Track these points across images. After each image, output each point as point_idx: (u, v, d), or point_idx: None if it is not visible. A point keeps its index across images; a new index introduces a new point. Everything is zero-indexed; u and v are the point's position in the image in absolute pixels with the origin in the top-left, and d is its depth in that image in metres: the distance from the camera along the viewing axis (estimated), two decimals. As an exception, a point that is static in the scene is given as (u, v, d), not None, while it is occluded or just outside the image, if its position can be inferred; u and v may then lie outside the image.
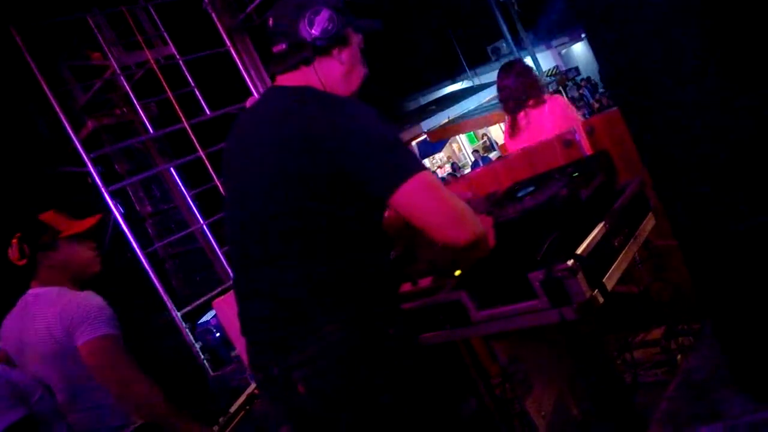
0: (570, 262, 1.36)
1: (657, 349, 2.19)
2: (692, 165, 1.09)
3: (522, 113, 3.11)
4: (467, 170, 15.82)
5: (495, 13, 15.32)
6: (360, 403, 1.34)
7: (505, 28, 15.72)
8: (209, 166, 5.78)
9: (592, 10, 1.13)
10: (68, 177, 6.57)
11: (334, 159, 1.30)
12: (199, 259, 6.61)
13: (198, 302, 5.40)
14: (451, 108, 17.47)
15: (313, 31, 1.41)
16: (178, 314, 5.22)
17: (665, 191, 1.20)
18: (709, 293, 1.22)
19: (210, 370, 4.66)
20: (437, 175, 17.38)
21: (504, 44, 17.50)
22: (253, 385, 2.69)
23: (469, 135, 19.15)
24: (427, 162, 18.58)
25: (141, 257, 5.21)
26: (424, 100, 19.98)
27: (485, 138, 19.63)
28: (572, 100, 15.28)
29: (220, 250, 5.79)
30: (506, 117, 3.29)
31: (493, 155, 16.97)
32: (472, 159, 17.74)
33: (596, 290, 1.40)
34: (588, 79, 16.94)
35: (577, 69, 17.17)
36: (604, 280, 1.45)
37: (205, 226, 5.84)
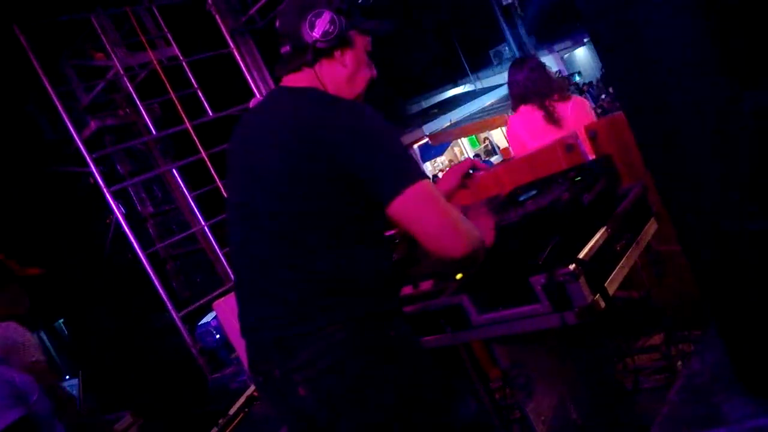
0: (572, 267, 1.36)
1: (657, 355, 2.18)
2: (699, 166, 1.08)
3: (550, 106, 3.05)
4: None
5: (498, 17, 15.34)
6: (361, 406, 1.33)
7: (507, 32, 15.74)
8: (211, 168, 5.79)
9: (595, 13, 1.13)
10: (70, 177, 6.58)
11: (334, 162, 1.30)
12: (200, 261, 6.61)
13: (198, 303, 5.40)
14: (453, 111, 17.49)
15: (314, 33, 1.41)
16: (178, 315, 5.22)
17: (669, 192, 1.19)
18: (714, 295, 1.21)
19: (209, 371, 4.65)
20: (439, 178, 17.37)
21: (506, 48, 17.51)
22: (252, 388, 2.69)
23: (470, 139, 19.17)
24: (428, 165, 18.59)
25: (142, 258, 5.21)
26: (427, 103, 20.01)
27: (487, 142, 19.64)
28: (575, 104, 15.23)
29: (221, 251, 5.79)
30: (508, 118, 3.25)
31: (494, 159, 16.97)
32: (474, 163, 17.70)
33: (598, 295, 1.40)
34: (590, 83, 16.94)
35: (579, 73, 17.18)
36: (605, 284, 1.44)
37: (206, 228, 5.84)
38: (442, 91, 20.61)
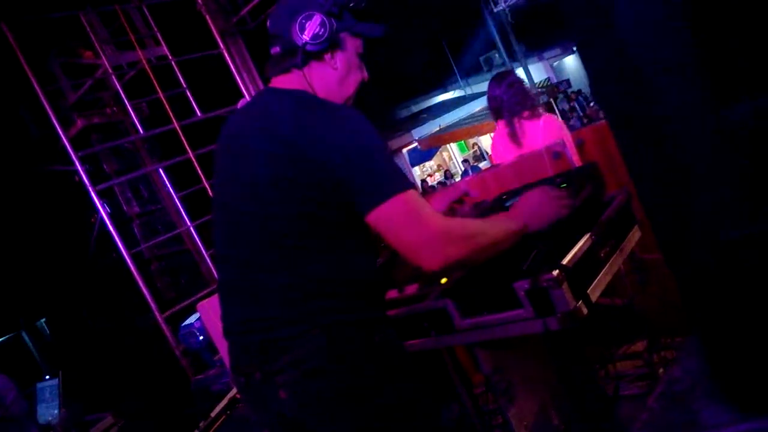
0: (555, 273, 1.37)
1: (640, 362, 2.20)
2: (680, 176, 1.10)
3: (517, 123, 3.11)
4: (458, 179, 15.87)
5: (489, 23, 15.44)
6: (342, 411, 1.32)
7: (498, 39, 15.84)
8: (198, 168, 5.75)
9: (582, 21, 1.14)
10: (55, 175, 6.51)
11: (316, 168, 1.30)
12: (185, 262, 6.56)
13: (182, 305, 5.35)
14: (443, 117, 17.56)
15: (304, 35, 1.41)
16: (162, 316, 5.17)
17: (651, 199, 1.21)
18: (695, 303, 1.22)
19: (192, 373, 4.62)
20: (428, 182, 17.44)
21: (497, 55, 17.63)
22: (234, 390, 2.67)
23: (459, 144, 19.25)
24: (417, 170, 18.64)
25: (126, 258, 5.16)
26: (416, 108, 20.06)
27: (476, 147, 19.73)
28: (563, 112, 15.38)
29: (206, 252, 5.75)
30: (496, 125, 3.30)
31: (483, 165, 17.04)
32: (462, 168, 17.81)
33: (580, 301, 1.40)
34: (579, 91, 17.08)
35: (568, 81, 17.30)
36: (588, 291, 1.45)
37: (192, 228, 5.80)
38: (432, 96, 20.68)
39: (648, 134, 1.10)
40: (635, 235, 1.81)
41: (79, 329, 7.35)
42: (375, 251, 1.46)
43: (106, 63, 5.78)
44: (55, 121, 5.13)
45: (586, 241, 1.53)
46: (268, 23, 1.50)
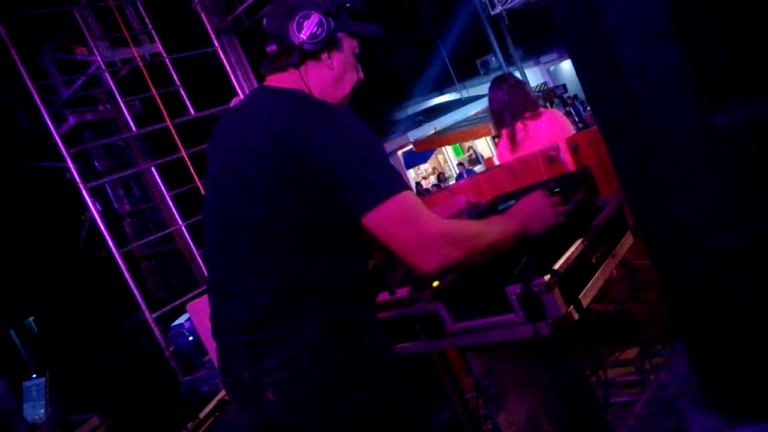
0: (547, 277, 1.35)
1: (631, 369, 2.20)
2: (670, 183, 1.09)
3: (520, 125, 3.12)
4: (452, 182, 15.90)
5: (485, 27, 15.47)
6: (329, 412, 1.31)
7: (495, 43, 15.87)
8: (191, 167, 5.72)
9: (573, 29, 1.14)
10: (45, 171, 6.47)
11: (310, 169, 1.28)
12: (176, 261, 6.52)
13: (173, 305, 5.32)
14: (439, 119, 17.59)
15: (301, 35, 1.40)
16: (152, 316, 5.14)
17: (639, 204, 1.20)
18: (681, 309, 1.22)
19: (182, 374, 4.59)
20: (422, 185, 17.46)
21: (493, 58, 17.66)
22: (223, 392, 2.65)
23: (455, 147, 19.27)
24: (412, 172, 18.65)
25: (117, 256, 5.12)
26: (412, 110, 20.08)
27: (471, 151, 19.77)
28: (558, 117, 15.37)
29: (197, 252, 5.72)
30: (493, 129, 3.32)
31: (477, 168, 17.08)
32: (457, 171, 17.84)
33: (572, 306, 1.39)
34: (575, 96, 17.14)
35: (564, 86, 17.37)
36: (579, 296, 1.44)
37: (183, 228, 5.77)
38: (428, 99, 20.72)
39: (637, 140, 1.10)
40: (628, 240, 1.80)
41: (67, 328, 7.30)
42: (366, 252, 1.45)
43: (100, 59, 5.75)
44: (47, 117, 5.09)
45: (578, 247, 1.52)
46: (264, 21, 1.48)
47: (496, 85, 3.23)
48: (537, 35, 18.19)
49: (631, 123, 1.09)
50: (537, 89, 17.27)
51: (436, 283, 1.65)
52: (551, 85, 18.65)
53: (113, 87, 5.72)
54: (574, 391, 1.63)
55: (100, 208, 5.39)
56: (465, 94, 19.92)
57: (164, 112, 5.75)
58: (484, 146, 18.78)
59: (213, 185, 1.47)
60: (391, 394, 1.37)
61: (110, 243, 5.13)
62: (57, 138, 5.12)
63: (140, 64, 5.78)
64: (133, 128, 5.86)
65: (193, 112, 6.04)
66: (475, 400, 1.92)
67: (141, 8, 6.03)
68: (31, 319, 8.35)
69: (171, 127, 5.76)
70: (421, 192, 15.53)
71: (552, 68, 21.61)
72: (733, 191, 1.03)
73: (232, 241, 1.38)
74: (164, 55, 6.04)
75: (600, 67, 1.11)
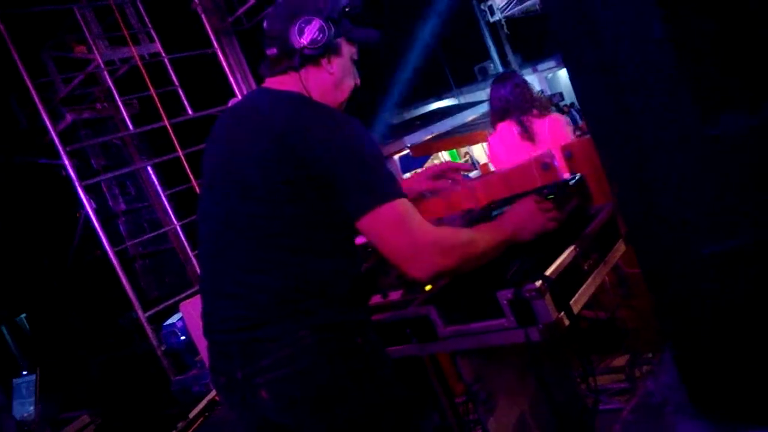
0: (538, 283, 1.36)
1: (621, 376, 2.20)
2: (660, 191, 1.10)
3: (527, 122, 3.10)
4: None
5: (484, 33, 15.52)
6: (323, 413, 1.32)
7: (493, 49, 15.92)
8: (187, 167, 5.72)
9: (567, 38, 1.15)
10: (40, 168, 6.45)
11: (311, 168, 1.29)
12: (170, 261, 6.51)
13: (166, 304, 5.31)
14: (435, 124, 17.60)
15: (302, 39, 1.41)
16: (145, 315, 5.12)
17: (631, 214, 1.21)
18: (669, 317, 1.23)
19: (173, 373, 4.58)
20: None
21: (491, 65, 17.70)
22: (214, 392, 2.64)
23: (451, 152, 19.26)
24: (407, 176, 18.64)
25: (110, 255, 5.11)
26: (409, 115, 20.09)
27: (467, 156, 19.77)
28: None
29: (192, 252, 5.71)
30: (493, 130, 3.30)
31: (473, 174, 17.07)
32: (453, 176, 17.81)
33: (562, 312, 1.40)
34: (572, 104, 17.19)
35: (561, 94, 17.41)
36: (570, 303, 1.45)
37: (178, 227, 5.76)
38: (425, 104, 20.74)
39: (630, 149, 1.11)
40: (620, 248, 1.81)
41: (59, 326, 7.27)
42: (360, 256, 1.46)
43: (99, 58, 5.75)
44: (44, 114, 5.09)
45: (570, 253, 1.53)
46: (264, 23, 1.49)
47: (500, 83, 3.20)
48: (535, 43, 18.24)
49: (624, 131, 1.11)
50: (534, 97, 17.27)
51: (428, 287, 1.66)
52: (548, 93, 18.68)
53: (112, 86, 5.72)
54: (564, 397, 1.63)
55: (95, 206, 5.38)
56: (462, 99, 19.94)
57: (162, 111, 5.75)
58: (480, 152, 18.78)
59: (210, 185, 1.48)
60: (388, 393, 1.38)
61: (104, 241, 5.12)
62: (54, 135, 5.11)
63: (139, 63, 5.78)
64: (131, 127, 5.85)
65: (190, 112, 6.04)
66: (465, 405, 1.93)
67: (141, 8, 6.03)
68: (23, 316, 8.31)
69: (168, 126, 5.76)
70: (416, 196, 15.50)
71: (549, 76, 21.65)
72: (723, 198, 1.05)
73: (228, 240, 1.38)
74: (163, 54, 6.04)
75: (594, 71, 1.12)
